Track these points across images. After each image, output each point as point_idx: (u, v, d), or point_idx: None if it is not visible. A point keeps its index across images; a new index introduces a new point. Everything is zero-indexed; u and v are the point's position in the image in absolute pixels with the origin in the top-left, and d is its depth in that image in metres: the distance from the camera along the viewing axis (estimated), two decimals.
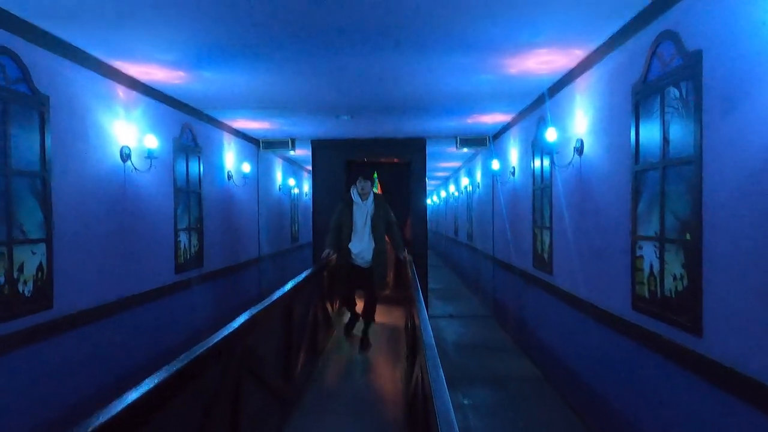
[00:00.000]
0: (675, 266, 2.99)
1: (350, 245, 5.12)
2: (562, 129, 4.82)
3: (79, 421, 1.53)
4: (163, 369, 1.93)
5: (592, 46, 4.07)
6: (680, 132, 2.93)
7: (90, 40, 3.89)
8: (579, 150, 4.43)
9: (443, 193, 18.92)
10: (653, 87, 3.20)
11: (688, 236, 2.85)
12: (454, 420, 1.69)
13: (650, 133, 3.27)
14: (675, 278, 2.99)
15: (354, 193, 5.20)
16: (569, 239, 4.80)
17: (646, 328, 3.32)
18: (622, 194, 3.65)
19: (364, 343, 5.21)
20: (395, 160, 8.99)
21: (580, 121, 4.48)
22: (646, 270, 3.33)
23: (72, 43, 3.88)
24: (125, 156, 4.63)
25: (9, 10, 3.26)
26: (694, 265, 2.80)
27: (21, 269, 3.33)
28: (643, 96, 3.34)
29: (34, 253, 3.46)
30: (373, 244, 5.12)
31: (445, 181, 18.26)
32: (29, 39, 3.48)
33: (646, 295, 3.33)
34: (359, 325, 5.45)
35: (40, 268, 3.51)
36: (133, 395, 1.66)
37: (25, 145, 3.42)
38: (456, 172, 14.73)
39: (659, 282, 3.17)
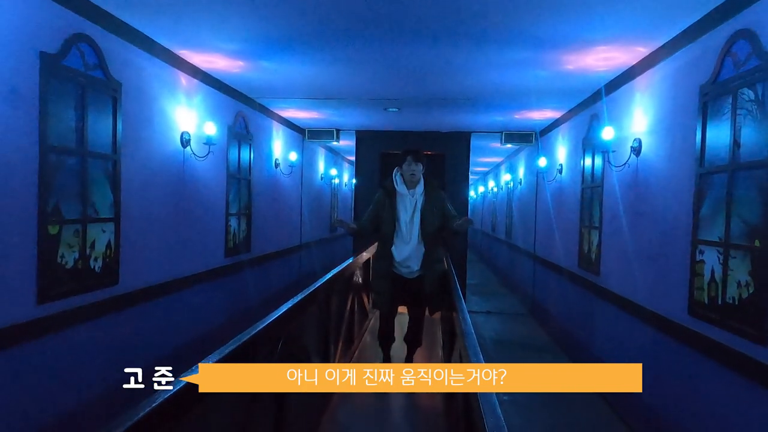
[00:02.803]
0: (740, 273, 2.91)
1: (393, 249, 3.85)
2: (618, 128, 4.72)
3: (134, 396, 1.63)
4: (213, 353, 2.00)
5: (657, 44, 3.97)
6: (753, 135, 2.84)
7: (159, 29, 4.03)
8: (636, 150, 4.34)
9: (481, 189, 18.76)
10: (724, 88, 3.11)
11: (757, 242, 2.77)
12: (497, 403, 1.68)
13: (718, 135, 3.18)
14: (740, 285, 2.92)
15: (397, 180, 3.89)
16: (620, 240, 4.71)
17: (704, 334, 3.25)
18: (684, 197, 3.56)
19: None
20: (428, 152, 8.98)
21: (638, 120, 4.38)
22: (707, 275, 3.26)
23: (142, 31, 4.03)
24: (185, 142, 4.79)
25: None
26: (762, 273, 2.72)
27: (92, 246, 3.52)
28: (712, 97, 3.24)
29: (104, 231, 3.65)
30: (423, 248, 3.83)
31: (483, 177, 18.09)
32: (105, 26, 3.63)
33: (706, 301, 3.26)
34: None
35: (108, 245, 3.70)
36: (181, 382, 1.73)
37: (99, 129, 3.60)
38: (496, 167, 14.58)
39: (721, 288, 3.10)
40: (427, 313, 4.20)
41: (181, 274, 4.85)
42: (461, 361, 2.67)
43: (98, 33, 3.56)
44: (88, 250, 3.47)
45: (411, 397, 4.05)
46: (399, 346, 4.34)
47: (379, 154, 8.85)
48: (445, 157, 8.72)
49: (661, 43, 3.92)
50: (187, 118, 4.88)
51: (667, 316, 3.76)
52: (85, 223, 3.44)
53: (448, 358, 4.04)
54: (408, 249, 3.84)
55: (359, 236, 4.23)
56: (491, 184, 15.56)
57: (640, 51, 4.15)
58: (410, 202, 3.86)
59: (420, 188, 3.87)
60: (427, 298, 3.93)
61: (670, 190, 3.81)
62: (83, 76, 3.42)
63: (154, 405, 1.54)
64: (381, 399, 3.93)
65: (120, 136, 3.81)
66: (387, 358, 4.26)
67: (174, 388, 1.67)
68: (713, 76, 3.22)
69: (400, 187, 3.87)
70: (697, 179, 3.39)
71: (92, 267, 3.52)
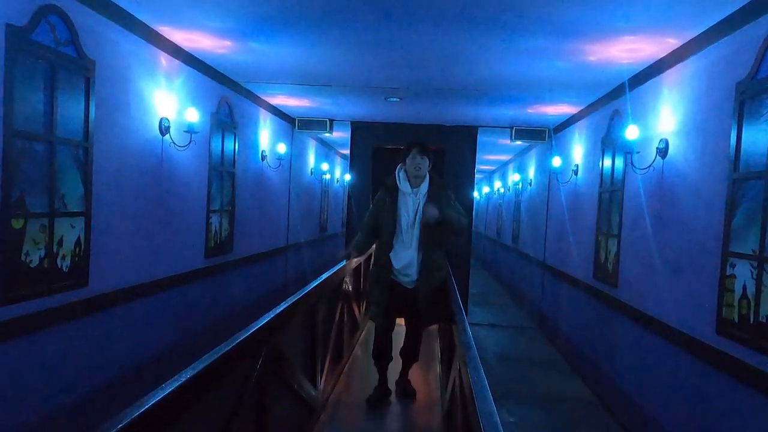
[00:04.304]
0: None
1: (391, 255, 3.78)
2: (642, 126, 4.73)
3: (102, 407, 1.60)
4: (188, 368, 1.97)
5: (689, 35, 3.98)
6: None
7: (137, 2, 3.98)
8: (662, 151, 4.35)
9: (486, 189, 18.79)
10: (764, 86, 3.12)
11: None
12: (499, 422, 1.69)
13: (755, 137, 3.19)
14: None
15: (400, 177, 3.82)
16: (642, 250, 4.73)
17: (733, 355, 3.26)
18: (714, 204, 3.57)
19: (402, 387, 4.19)
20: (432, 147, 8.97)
21: (666, 119, 4.39)
22: (738, 291, 3.27)
23: (118, 3, 3.98)
24: (164, 129, 4.75)
25: None
26: None
27: (60, 243, 3.48)
28: (750, 95, 3.25)
29: (73, 227, 3.60)
30: (424, 254, 3.76)
31: (489, 176, 18.12)
32: None
33: (736, 319, 3.27)
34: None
35: (78, 242, 3.65)
36: (152, 399, 1.68)
37: (70, 113, 3.55)
38: (503, 166, 14.61)
39: (753, 306, 3.11)
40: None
41: (157, 275, 4.80)
42: (460, 377, 2.67)
43: (70, 5, 3.52)
44: (55, 248, 3.43)
45: (406, 417, 4.04)
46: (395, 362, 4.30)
47: (372, 148, 8.81)
48: (444, 153, 8.67)
49: (694, 35, 3.94)
50: (167, 103, 4.84)
51: (691, 334, 3.77)
52: (52, 217, 3.39)
53: (446, 374, 4.04)
54: (408, 255, 3.75)
55: (365, 249, 4.16)
56: (497, 184, 15.59)
57: (671, 42, 4.16)
58: (413, 203, 3.77)
59: (424, 187, 3.79)
60: (421, 309, 3.81)
61: (700, 197, 3.82)
62: (53, 53, 3.37)
63: (119, 426, 1.51)
64: (371, 418, 3.91)
65: (92, 121, 3.76)
66: (383, 380, 4.11)
67: (143, 407, 1.63)
68: (752, 72, 3.23)
69: (402, 184, 3.79)
70: (730, 185, 3.40)
71: (60, 266, 3.48)
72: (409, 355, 4.14)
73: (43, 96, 3.31)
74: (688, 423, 3.81)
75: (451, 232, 3.75)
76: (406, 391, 4.18)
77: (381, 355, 4.04)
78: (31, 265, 3.23)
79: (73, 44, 3.57)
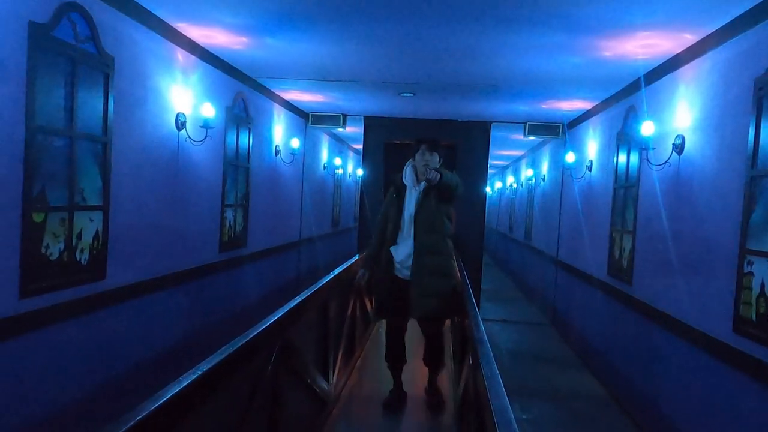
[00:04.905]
0: None
1: (392, 249, 3.74)
2: (658, 122, 4.69)
3: (120, 400, 1.62)
4: (202, 363, 2.00)
5: (706, 31, 3.94)
6: None
7: None
8: (679, 148, 4.31)
9: (498, 184, 18.73)
10: None
11: None
12: (513, 418, 1.69)
13: None
14: None
15: (406, 173, 3.78)
16: (657, 247, 4.70)
17: (751, 354, 3.24)
18: (731, 201, 3.54)
19: (432, 395, 4.01)
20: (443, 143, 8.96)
21: (682, 115, 4.35)
22: (756, 289, 3.24)
23: (137, 0, 4.02)
24: (180, 124, 4.79)
25: None
26: None
27: (79, 236, 3.53)
28: None
29: (91, 221, 3.66)
30: (417, 239, 3.64)
31: (501, 171, 18.05)
32: None
33: (753, 317, 3.25)
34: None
35: (96, 236, 3.71)
36: (170, 392, 1.72)
37: (89, 108, 3.60)
38: (516, 161, 14.55)
39: None
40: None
41: (172, 269, 4.86)
42: (473, 373, 2.68)
43: (91, 2, 3.56)
44: (74, 241, 3.48)
45: (418, 413, 4.05)
46: (414, 366, 4.18)
47: (383, 143, 8.81)
48: (457, 148, 8.64)
49: (712, 30, 3.89)
50: (183, 98, 4.88)
51: (708, 332, 3.75)
52: (72, 210, 3.44)
53: (458, 370, 4.05)
54: (407, 247, 3.67)
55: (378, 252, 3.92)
56: (510, 179, 15.53)
57: (687, 38, 4.12)
58: (415, 196, 3.70)
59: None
60: (413, 296, 3.61)
61: (717, 193, 3.78)
62: (74, 50, 3.41)
63: (138, 418, 1.54)
64: (383, 413, 3.93)
65: (111, 116, 3.81)
66: (398, 383, 3.98)
67: (160, 400, 1.67)
68: None
69: (409, 179, 3.74)
70: (747, 182, 3.37)
71: (78, 259, 3.53)
72: (430, 360, 3.95)
73: (63, 92, 3.36)
74: (703, 421, 3.79)
75: (447, 189, 3.61)
76: (432, 401, 4.00)
77: (392, 357, 3.95)
78: (51, 258, 3.28)
79: (93, 41, 3.61)
